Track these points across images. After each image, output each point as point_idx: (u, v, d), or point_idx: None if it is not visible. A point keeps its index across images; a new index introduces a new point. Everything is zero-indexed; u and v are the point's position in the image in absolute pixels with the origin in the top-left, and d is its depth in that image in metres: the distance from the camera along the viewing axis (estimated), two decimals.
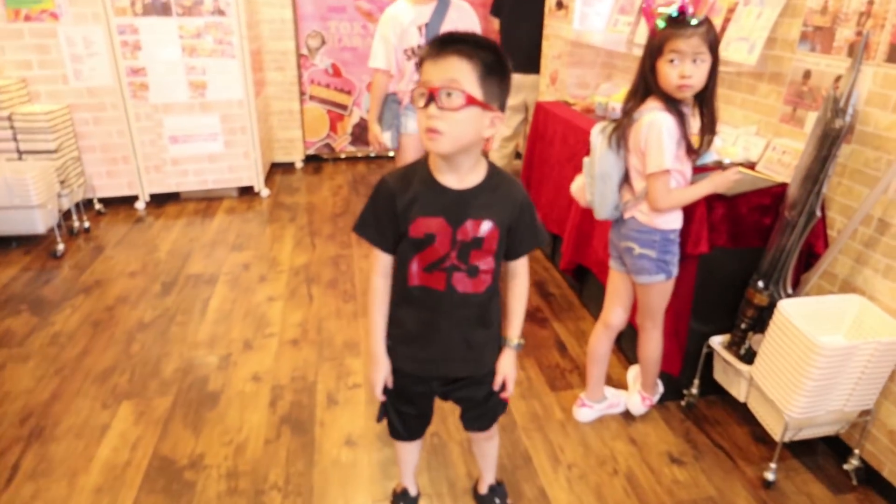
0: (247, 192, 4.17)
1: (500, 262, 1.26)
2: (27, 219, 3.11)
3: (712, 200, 1.84)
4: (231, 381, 2.21)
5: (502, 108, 1.13)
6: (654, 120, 1.60)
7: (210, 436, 1.94)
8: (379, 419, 1.46)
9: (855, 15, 1.79)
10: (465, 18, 2.60)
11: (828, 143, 1.69)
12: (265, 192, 4.16)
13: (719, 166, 2.04)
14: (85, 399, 2.10)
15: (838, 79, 1.84)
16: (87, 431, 1.95)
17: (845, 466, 1.83)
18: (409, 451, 1.57)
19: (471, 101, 1.06)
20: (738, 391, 1.95)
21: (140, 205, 3.90)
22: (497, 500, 1.65)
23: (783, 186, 1.88)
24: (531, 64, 3.70)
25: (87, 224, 3.54)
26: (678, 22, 1.54)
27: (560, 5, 3.40)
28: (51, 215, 3.19)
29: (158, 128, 3.76)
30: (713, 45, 1.55)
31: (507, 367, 1.35)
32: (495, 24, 3.92)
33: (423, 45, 1.12)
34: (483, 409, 1.44)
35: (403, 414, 1.44)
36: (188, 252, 3.27)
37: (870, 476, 1.79)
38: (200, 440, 1.92)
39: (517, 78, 3.58)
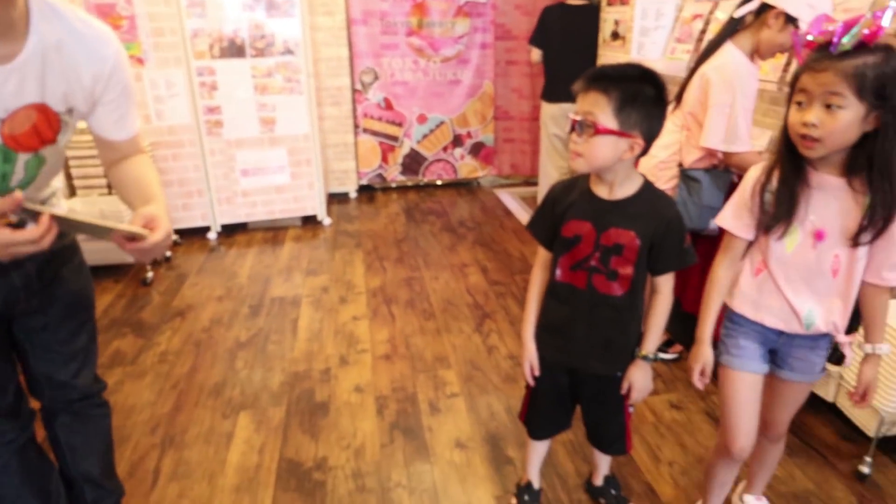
0: (309, 220, 4.38)
1: (643, 272, 1.36)
2: (118, 249, 3.33)
3: None
4: (336, 393, 2.36)
5: (648, 132, 1.25)
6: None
7: (328, 441, 2.09)
8: (521, 417, 1.65)
9: None
10: None
11: None
12: (327, 221, 4.36)
13: None
14: (205, 410, 2.27)
15: None
16: (214, 438, 2.11)
17: None
18: (540, 446, 1.71)
19: (602, 131, 1.23)
20: (826, 392, 2.05)
21: (212, 235, 4.11)
22: (612, 491, 1.77)
23: None
24: None
25: (168, 253, 3.76)
26: (818, 50, 1.12)
27: (616, 36, 3.62)
28: None
29: (231, 162, 4.00)
30: (874, 88, 1.05)
31: (634, 375, 1.43)
32: (535, 54, 4.00)
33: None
34: (606, 421, 1.57)
35: (543, 413, 1.61)
36: (267, 277, 3.46)
37: None
38: (320, 445, 2.07)
39: (567, 108, 3.77)
